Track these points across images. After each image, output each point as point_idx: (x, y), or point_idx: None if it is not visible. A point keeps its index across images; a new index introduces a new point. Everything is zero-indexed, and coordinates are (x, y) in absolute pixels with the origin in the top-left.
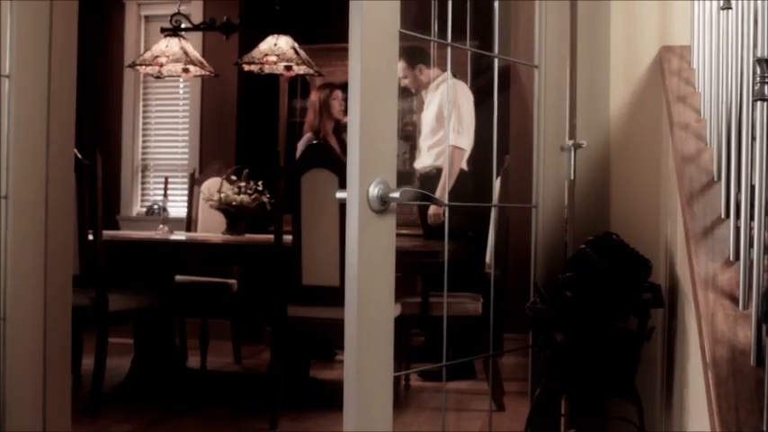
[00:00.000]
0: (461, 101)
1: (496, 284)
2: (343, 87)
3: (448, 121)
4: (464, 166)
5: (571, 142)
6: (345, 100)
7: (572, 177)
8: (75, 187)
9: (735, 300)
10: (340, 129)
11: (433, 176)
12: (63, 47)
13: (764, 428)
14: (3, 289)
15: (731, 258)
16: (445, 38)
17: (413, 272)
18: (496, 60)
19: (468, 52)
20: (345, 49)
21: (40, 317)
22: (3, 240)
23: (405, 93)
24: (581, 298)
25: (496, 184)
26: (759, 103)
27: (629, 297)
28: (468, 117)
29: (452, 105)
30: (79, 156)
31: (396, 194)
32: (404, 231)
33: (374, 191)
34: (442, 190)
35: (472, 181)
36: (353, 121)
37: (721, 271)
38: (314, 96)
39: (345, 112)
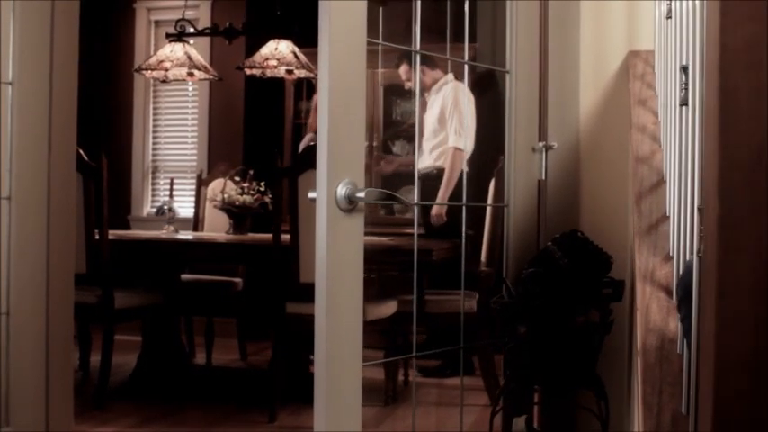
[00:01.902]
0: (462, 103)
1: (493, 282)
2: None
3: (450, 124)
4: (464, 166)
5: (542, 144)
6: None
7: (543, 177)
8: (81, 188)
9: (670, 292)
10: None
11: (434, 177)
12: (64, 54)
13: (683, 410)
14: (6, 285)
15: (671, 254)
16: (414, 45)
17: (408, 270)
18: (466, 67)
19: (468, 55)
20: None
21: (43, 312)
22: (6, 239)
23: (408, 94)
24: (543, 292)
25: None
26: (684, 108)
27: (590, 291)
28: (468, 119)
29: (454, 108)
30: (85, 158)
31: (361, 194)
32: (409, 231)
33: (342, 191)
34: (444, 190)
35: (471, 181)
36: (322, 126)
37: (660, 266)
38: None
39: None
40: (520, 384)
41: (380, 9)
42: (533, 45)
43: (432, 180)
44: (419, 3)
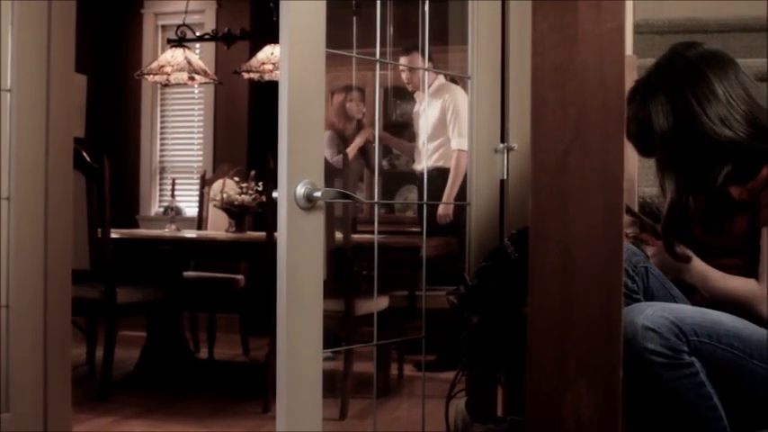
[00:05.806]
0: (461, 105)
1: None
2: (357, 89)
3: (452, 127)
4: None
5: (503, 145)
6: (361, 101)
7: (505, 177)
8: (85, 189)
9: None
10: (361, 127)
11: (434, 177)
12: (61, 62)
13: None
14: (6, 280)
15: None
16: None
17: (401, 267)
18: (427, 74)
19: (463, 56)
20: (347, 56)
21: (41, 306)
22: (6, 237)
23: (408, 96)
24: (496, 285)
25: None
26: None
27: None
28: (467, 121)
29: (454, 111)
30: (88, 159)
31: (318, 194)
32: (410, 229)
33: (301, 190)
34: (450, 190)
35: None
36: (282, 128)
37: None
38: (335, 98)
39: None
40: (475, 371)
41: (354, 18)
42: (495, 48)
43: (431, 180)
44: (387, 9)
